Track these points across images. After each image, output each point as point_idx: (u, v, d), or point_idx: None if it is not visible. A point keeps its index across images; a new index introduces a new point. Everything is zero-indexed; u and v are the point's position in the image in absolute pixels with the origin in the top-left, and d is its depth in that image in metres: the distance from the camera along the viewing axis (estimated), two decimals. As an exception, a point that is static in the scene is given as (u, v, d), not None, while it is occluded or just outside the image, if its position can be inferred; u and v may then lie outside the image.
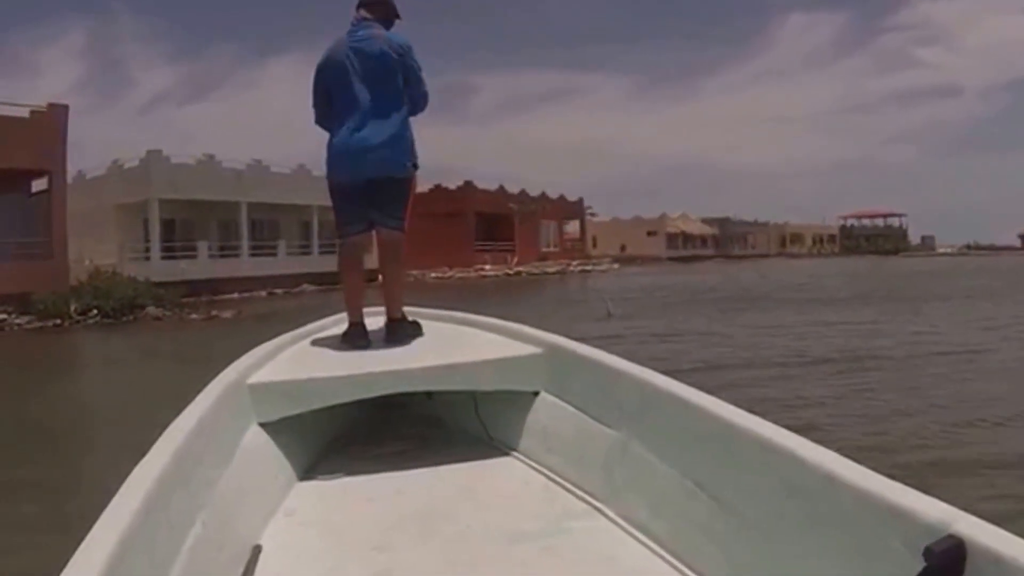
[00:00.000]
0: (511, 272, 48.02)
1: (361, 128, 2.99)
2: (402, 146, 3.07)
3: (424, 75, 3.14)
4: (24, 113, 24.39)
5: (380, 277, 3.15)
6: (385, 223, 3.10)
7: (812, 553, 1.32)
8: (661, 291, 28.18)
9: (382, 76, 3.00)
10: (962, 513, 1.11)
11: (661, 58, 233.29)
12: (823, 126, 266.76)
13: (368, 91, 2.99)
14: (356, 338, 2.96)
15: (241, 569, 1.59)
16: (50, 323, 21.13)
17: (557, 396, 2.39)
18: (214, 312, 22.65)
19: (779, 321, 16.23)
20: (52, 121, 24.62)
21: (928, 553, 1.06)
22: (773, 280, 34.56)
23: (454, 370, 2.51)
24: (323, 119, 3.18)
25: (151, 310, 23.02)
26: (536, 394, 2.47)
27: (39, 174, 24.96)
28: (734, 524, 1.52)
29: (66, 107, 25.25)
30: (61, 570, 1.03)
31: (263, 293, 32.67)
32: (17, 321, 21.20)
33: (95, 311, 21.99)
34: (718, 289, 28.99)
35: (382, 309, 3.13)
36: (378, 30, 3.08)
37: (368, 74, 3.00)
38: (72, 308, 21.78)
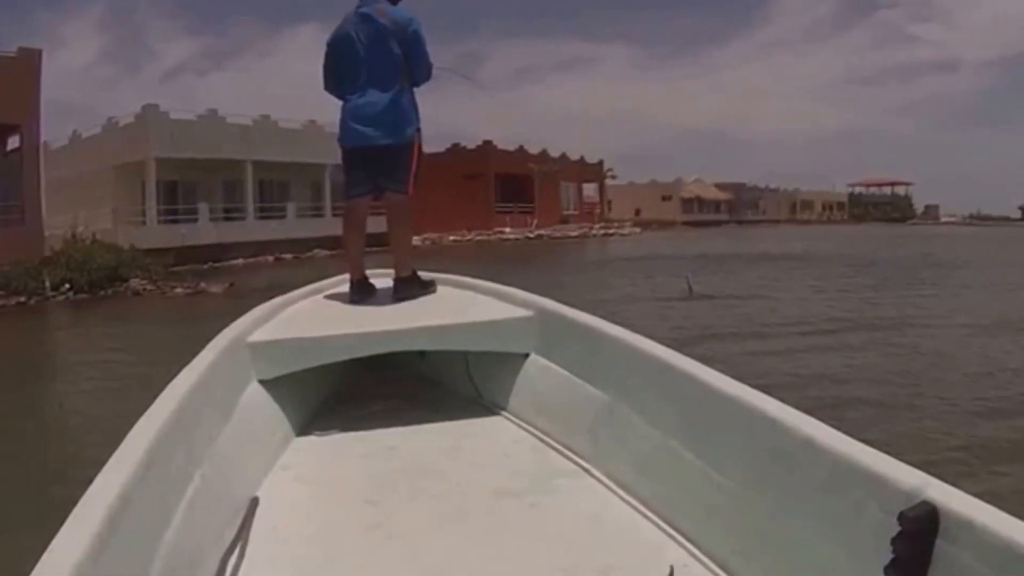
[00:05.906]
0: (531, 235, 43.56)
1: (362, 99, 3.02)
2: (399, 114, 3.05)
3: (428, 48, 3.10)
4: (-9, 59, 20.15)
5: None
6: (388, 187, 3.10)
7: (792, 515, 1.28)
8: (715, 260, 23.86)
9: (380, 48, 3.00)
10: (935, 480, 1.09)
11: (672, 29, 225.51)
12: (827, 97, 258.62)
13: (368, 63, 3.01)
14: (355, 294, 3.00)
15: (239, 521, 1.53)
16: (13, 301, 17.04)
17: (546, 358, 2.33)
18: (202, 285, 18.57)
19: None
20: (23, 68, 20.32)
21: (903, 517, 1.05)
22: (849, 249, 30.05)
23: (447, 331, 2.46)
24: (329, 87, 3.19)
25: (134, 283, 18.96)
26: (526, 356, 2.40)
27: (11, 129, 20.77)
28: (715, 486, 1.47)
29: (39, 52, 21.00)
30: (63, 523, 0.97)
31: (270, 259, 28.66)
32: (-23, 300, 17.14)
33: (67, 285, 17.92)
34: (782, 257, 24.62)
35: (391, 271, 3.10)
36: (381, 5, 3.05)
37: (367, 47, 3.00)
38: (46, 282, 17.70)
